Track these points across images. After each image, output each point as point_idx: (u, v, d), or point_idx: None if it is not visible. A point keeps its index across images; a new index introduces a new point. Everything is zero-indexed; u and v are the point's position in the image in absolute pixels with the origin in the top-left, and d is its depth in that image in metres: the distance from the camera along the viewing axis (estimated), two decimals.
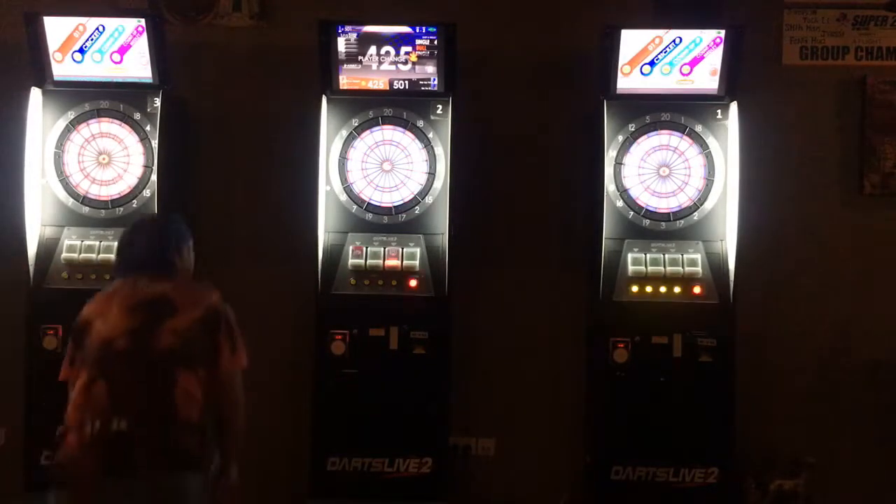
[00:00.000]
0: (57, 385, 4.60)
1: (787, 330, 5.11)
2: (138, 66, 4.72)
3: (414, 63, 4.72)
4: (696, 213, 4.73)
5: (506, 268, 5.15)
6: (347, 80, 4.75)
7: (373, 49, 4.71)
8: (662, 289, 4.66)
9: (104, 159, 4.76)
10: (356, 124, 4.77)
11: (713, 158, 4.73)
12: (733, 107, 4.67)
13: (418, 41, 4.70)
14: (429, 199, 4.73)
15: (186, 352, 3.15)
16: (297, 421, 4.87)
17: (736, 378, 4.65)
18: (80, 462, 2.98)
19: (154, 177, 4.70)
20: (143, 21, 4.68)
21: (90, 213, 4.73)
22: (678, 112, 4.75)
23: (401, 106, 4.77)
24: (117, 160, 4.76)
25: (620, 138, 4.75)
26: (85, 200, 4.74)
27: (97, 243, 4.69)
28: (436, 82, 4.74)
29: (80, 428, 3.02)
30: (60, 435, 3.06)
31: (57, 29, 4.68)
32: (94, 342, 3.12)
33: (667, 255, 4.70)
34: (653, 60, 4.68)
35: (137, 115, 4.75)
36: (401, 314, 4.62)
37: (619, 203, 4.74)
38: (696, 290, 4.65)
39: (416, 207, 4.74)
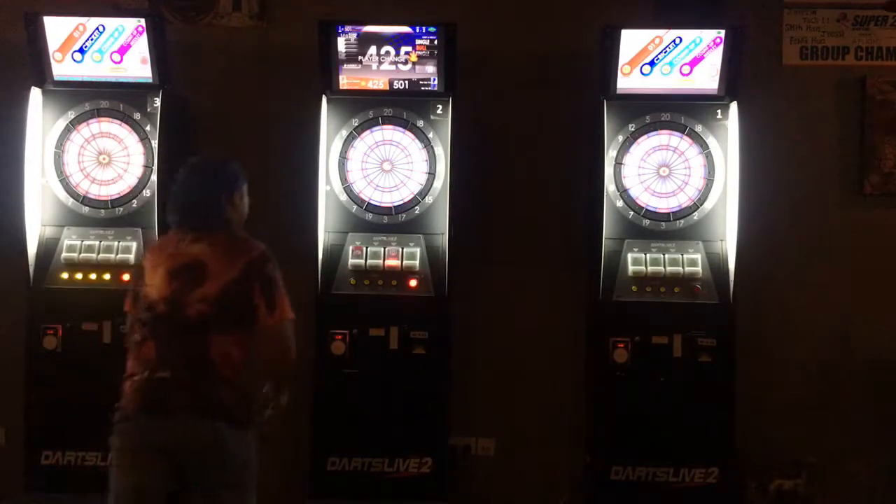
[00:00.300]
0: (57, 385, 4.65)
1: (787, 330, 5.11)
2: (138, 65, 4.72)
3: (414, 63, 4.72)
4: (696, 213, 4.74)
5: (506, 268, 5.15)
6: (347, 80, 4.75)
7: (373, 49, 4.71)
8: (662, 289, 4.66)
9: (104, 159, 4.76)
10: (356, 124, 4.77)
11: (713, 158, 4.73)
12: (733, 107, 4.67)
13: (418, 41, 4.71)
14: (429, 199, 4.73)
15: (220, 316, 3.29)
16: (297, 421, 4.87)
17: (736, 378, 4.65)
18: (128, 404, 3.28)
19: (154, 177, 4.70)
20: (143, 21, 4.68)
21: (90, 213, 4.74)
22: (678, 112, 4.75)
23: (401, 106, 4.77)
24: (117, 160, 4.76)
25: (620, 138, 4.75)
26: (85, 200, 4.74)
27: (97, 243, 4.69)
28: (436, 82, 4.74)
29: (132, 377, 3.30)
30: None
31: (57, 29, 4.68)
32: (144, 302, 3.34)
33: (667, 255, 4.70)
34: (653, 60, 4.69)
35: (137, 115, 4.75)
36: (401, 314, 4.62)
37: (619, 203, 4.74)
38: (696, 290, 4.65)
39: (416, 207, 4.74)
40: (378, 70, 4.74)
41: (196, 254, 3.35)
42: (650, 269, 4.67)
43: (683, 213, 4.74)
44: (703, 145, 4.74)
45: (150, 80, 4.73)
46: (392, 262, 4.65)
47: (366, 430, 4.64)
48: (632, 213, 4.74)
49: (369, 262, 4.65)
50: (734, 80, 4.65)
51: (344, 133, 4.77)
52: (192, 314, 3.27)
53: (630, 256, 4.70)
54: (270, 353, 3.38)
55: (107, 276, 4.67)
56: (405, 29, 4.70)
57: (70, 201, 4.74)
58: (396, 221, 4.74)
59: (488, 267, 5.12)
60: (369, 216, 4.74)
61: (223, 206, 3.46)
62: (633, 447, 4.68)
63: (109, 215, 4.74)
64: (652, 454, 4.67)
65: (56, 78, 4.73)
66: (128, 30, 4.69)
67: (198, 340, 3.26)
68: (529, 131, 5.15)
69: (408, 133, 4.76)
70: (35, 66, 4.69)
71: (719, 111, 4.74)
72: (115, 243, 4.69)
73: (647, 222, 4.74)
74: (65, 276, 4.67)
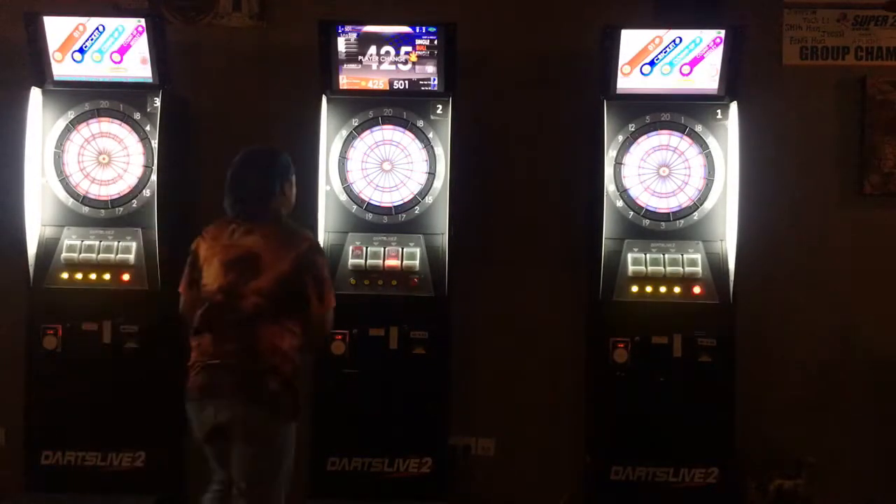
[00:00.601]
0: (57, 385, 4.65)
1: (787, 330, 5.11)
2: (138, 65, 4.72)
3: (414, 63, 4.72)
4: (696, 213, 4.73)
5: (506, 268, 5.15)
6: (347, 79, 4.75)
7: (373, 49, 4.71)
8: (662, 289, 4.66)
9: (104, 159, 4.76)
10: (356, 124, 4.77)
11: (713, 158, 4.73)
12: (733, 107, 4.67)
13: (418, 41, 4.71)
14: (429, 199, 4.73)
15: (272, 308, 3.55)
16: None
17: (736, 378, 4.65)
18: (190, 387, 3.57)
19: (154, 176, 4.70)
20: (143, 21, 4.68)
21: (90, 213, 4.73)
22: (678, 112, 4.75)
23: (401, 106, 4.77)
24: (117, 160, 4.76)
25: (620, 138, 4.75)
26: (85, 200, 4.74)
27: (97, 243, 4.69)
28: (436, 82, 4.74)
29: (193, 366, 3.59)
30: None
31: (57, 29, 4.68)
32: (202, 292, 3.60)
33: (667, 255, 4.70)
34: (653, 60, 4.69)
35: (137, 115, 4.75)
36: (401, 314, 4.61)
37: (619, 203, 4.74)
38: (696, 290, 4.65)
39: (416, 207, 4.74)
40: (378, 70, 4.74)
41: (250, 246, 3.57)
42: (650, 269, 4.67)
43: (683, 213, 4.74)
44: (703, 145, 4.74)
45: (150, 80, 4.73)
46: (392, 262, 4.65)
47: (366, 430, 4.64)
48: (632, 213, 4.74)
49: (369, 261, 4.65)
50: (734, 80, 4.65)
51: (344, 133, 4.77)
52: (247, 306, 3.52)
53: (630, 256, 4.70)
54: (311, 337, 3.71)
55: (107, 276, 4.67)
56: (405, 29, 4.70)
57: (70, 201, 4.74)
58: (396, 221, 4.74)
59: (488, 267, 5.12)
60: (369, 216, 4.74)
61: (276, 196, 3.70)
62: (633, 447, 4.68)
63: (109, 215, 4.73)
64: (652, 454, 4.68)
65: (56, 78, 4.73)
66: (128, 30, 4.69)
67: (249, 331, 3.51)
68: (529, 131, 5.15)
69: (408, 133, 4.76)
70: (35, 66, 4.69)
71: (719, 111, 4.73)
72: (115, 243, 4.69)
73: (647, 222, 4.74)
74: (65, 276, 4.67)
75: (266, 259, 3.56)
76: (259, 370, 3.51)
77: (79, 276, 4.67)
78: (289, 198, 3.81)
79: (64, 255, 4.67)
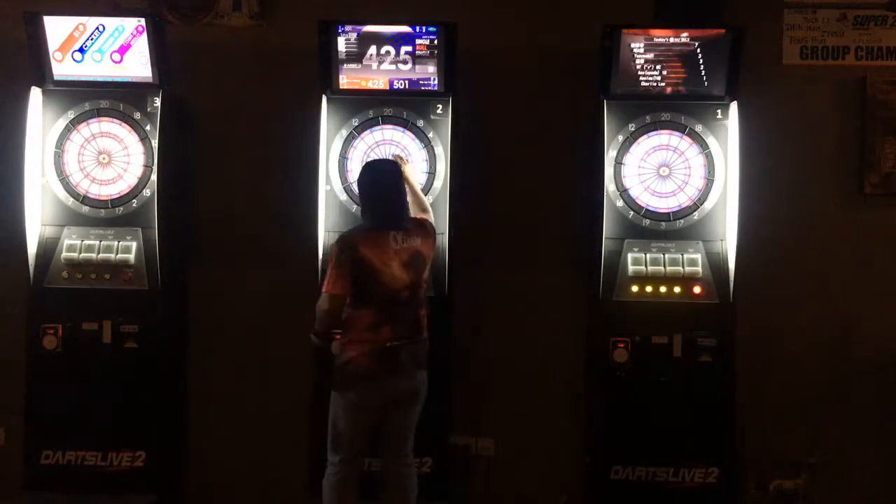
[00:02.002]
0: (57, 385, 4.65)
1: (787, 330, 5.11)
2: (138, 65, 4.72)
3: (414, 63, 4.72)
4: (696, 213, 4.74)
5: (506, 268, 5.15)
6: (347, 79, 4.75)
7: (373, 49, 4.71)
8: (662, 289, 4.66)
9: (104, 159, 4.76)
10: (356, 124, 4.78)
11: (713, 158, 4.73)
12: (733, 107, 4.67)
13: (418, 41, 4.71)
14: (428, 199, 4.72)
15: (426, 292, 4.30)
16: (297, 421, 4.87)
17: (736, 378, 4.65)
18: (369, 368, 4.08)
19: (154, 176, 4.70)
20: (143, 21, 4.68)
21: (90, 213, 4.74)
22: (678, 112, 4.75)
23: (401, 106, 4.77)
24: (117, 160, 4.76)
25: (620, 138, 4.75)
26: (85, 200, 4.74)
27: (97, 243, 4.69)
28: (436, 82, 4.74)
29: (371, 351, 4.09)
30: (342, 346, 4.14)
31: (57, 28, 4.69)
32: (381, 291, 4.09)
33: (667, 255, 4.70)
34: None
35: (137, 115, 4.75)
36: None
37: (619, 203, 4.74)
38: (696, 290, 4.66)
39: None
40: (378, 70, 4.74)
41: (416, 247, 4.19)
42: (650, 269, 4.67)
43: (683, 212, 4.74)
44: (703, 145, 4.74)
45: (150, 80, 4.73)
46: None
47: None
48: (632, 212, 4.74)
49: None
50: (734, 80, 4.65)
51: (344, 133, 4.77)
52: (420, 295, 4.20)
53: (630, 256, 4.70)
54: None
55: (107, 276, 4.67)
56: (405, 29, 4.70)
57: (70, 201, 4.74)
58: None
59: (488, 267, 5.13)
60: None
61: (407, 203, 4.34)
62: (633, 447, 4.68)
63: (109, 215, 4.74)
64: (652, 454, 4.68)
65: (56, 77, 4.73)
66: (128, 30, 4.69)
67: (416, 314, 4.19)
68: (529, 131, 5.15)
69: (408, 133, 4.77)
70: (35, 65, 4.69)
71: (719, 111, 4.73)
72: (116, 243, 4.69)
73: (647, 222, 4.74)
74: (65, 275, 4.67)
75: (425, 253, 4.23)
76: (422, 344, 4.20)
77: (79, 275, 4.67)
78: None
79: (64, 254, 4.67)
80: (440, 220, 4.67)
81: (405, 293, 4.14)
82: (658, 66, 4.70)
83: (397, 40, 4.71)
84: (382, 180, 4.24)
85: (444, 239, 4.67)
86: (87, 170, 4.75)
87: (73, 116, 4.75)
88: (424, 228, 4.32)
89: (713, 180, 4.73)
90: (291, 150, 4.96)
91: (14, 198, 4.66)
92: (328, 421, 4.23)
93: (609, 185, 4.71)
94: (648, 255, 4.71)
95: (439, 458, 4.68)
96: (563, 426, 5.10)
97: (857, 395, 5.11)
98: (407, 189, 4.39)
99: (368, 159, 4.74)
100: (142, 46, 4.69)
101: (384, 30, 4.71)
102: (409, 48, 4.71)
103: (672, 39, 4.67)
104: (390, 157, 4.58)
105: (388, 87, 4.76)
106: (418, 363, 4.20)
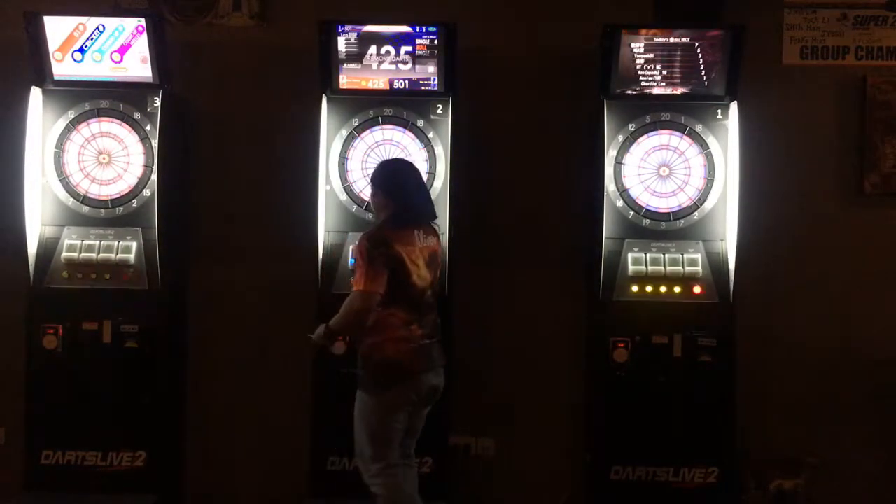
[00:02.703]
0: (57, 385, 4.65)
1: (787, 330, 5.11)
2: (138, 65, 4.72)
3: (414, 63, 4.73)
4: (696, 213, 4.74)
5: (505, 267, 5.16)
6: (347, 79, 4.75)
7: (373, 49, 4.71)
8: (662, 289, 4.66)
9: (104, 159, 4.76)
10: (356, 124, 4.78)
11: (713, 158, 4.73)
12: (733, 107, 4.67)
13: (418, 41, 4.71)
14: None
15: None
16: (297, 421, 4.87)
17: (736, 378, 4.65)
18: (410, 366, 4.09)
19: (154, 176, 4.70)
20: (143, 21, 4.68)
21: (90, 213, 4.74)
22: (678, 112, 4.75)
23: (401, 105, 4.77)
24: (117, 160, 4.76)
25: (620, 138, 4.75)
26: (85, 200, 4.74)
27: (97, 243, 4.69)
28: (436, 82, 4.74)
29: (408, 349, 4.09)
30: (374, 347, 4.10)
31: (57, 28, 4.69)
32: (412, 291, 4.10)
33: (667, 255, 4.70)
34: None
35: (137, 115, 4.75)
36: None
37: (619, 203, 4.74)
38: (696, 289, 4.66)
39: None
40: (378, 70, 4.74)
41: (434, 246, 4.23)
42: (650, 268, 4.67)
43: (683, 212, 4.75)
44: (704, 145, 4.74)
45: (150, 80, 4.73)
46: None
47: None
48: (632, 212, 4.74)
49: None
50: (734, 80, 4.65)
51: (344, 133, 4.78)
52: (435, 293, 4.26)
53: (630, 256, 4.71)
54: None
55: (107, 276, 4.67)
56: (405, 29, 4.70)
57: (70, 201, 4.74)
58: None
59: (488, 267, 5.13)
60: (369, 216, 4.73)
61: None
62: (633, 447, 4.69)
63: (109, 215, 4.74)
64: (652, 454, 4.68)
65: (56, 77, 4.73)
66: (128, 29, 4.69)
67: (434, 313, 4.23)
68: (529, 131, 5.15)
69: (408, 133, 4.77)
70: (35, 65, 4.69)
71: (719, 111, 4.74)
72: (116, 243, 4.69)
73: (647, 222, 4.74)
74: (65, 275, 4.67)
75: (440, 252, 4.28)
76: (440, 344, 4.24)
77: (79, 275, 4.67)
78: None
79: (64, 254, 4.67)
80: (440, 219, 4.66)
81: (429, 292, 4.20)
82: (658, 66, 4.70)
83: (397, 40, 4.71)
84: (409, 175, 4.24)
85: (444, 239, 4.67)
86: (87, 170, 4.75)
87: (73, 116, 4.75)
88: (434, 228, 4.33)
89: (713, 180, 4.73)
90: (291, 150, 4.96)
91: (14, 198, 4.66)
92: (359, 430, 4.14)
93: (609, 185, 4.71)
94: (648, 255, 4.71)
95: (439, 458, 4.68)
96: (563, 426, 5.10)
97: (857, 395, 5.11)
98: None
99: (368, 159, 4.74)
100: (142, 46, 4.69)
101: (384, 30, 4.71)
102: (409, 48, 4.71)
103: (672, 39, 4.68)
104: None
105: (388, 87, 4.76)
106: (442, 362, 4.25)
